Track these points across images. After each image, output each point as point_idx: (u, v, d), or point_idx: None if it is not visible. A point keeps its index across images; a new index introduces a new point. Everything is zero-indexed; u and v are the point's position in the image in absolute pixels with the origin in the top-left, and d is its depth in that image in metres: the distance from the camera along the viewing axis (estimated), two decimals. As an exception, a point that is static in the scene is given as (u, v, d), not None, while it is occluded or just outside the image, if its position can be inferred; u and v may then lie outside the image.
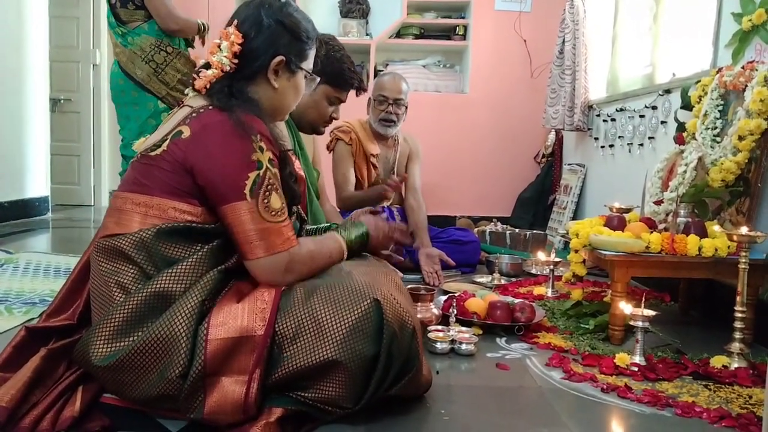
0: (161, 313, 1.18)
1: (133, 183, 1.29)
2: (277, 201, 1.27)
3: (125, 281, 1.22)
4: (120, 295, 1.22)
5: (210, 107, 1.29)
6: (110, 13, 2.96)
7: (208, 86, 1.33)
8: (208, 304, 1.20)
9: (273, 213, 1.26)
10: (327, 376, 1.18)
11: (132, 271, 1.23)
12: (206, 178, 1.24)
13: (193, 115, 1.28)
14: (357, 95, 2.30)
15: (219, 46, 1.35)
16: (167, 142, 1.26)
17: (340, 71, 2.14)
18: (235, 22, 1.36)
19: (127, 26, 2.92)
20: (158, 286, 1.20)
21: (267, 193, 1.26)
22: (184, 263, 1.23)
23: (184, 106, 1.36)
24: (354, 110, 3.12)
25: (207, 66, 1.35)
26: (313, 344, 1.18)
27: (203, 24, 3.06)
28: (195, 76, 1.37)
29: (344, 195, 2.95)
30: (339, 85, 2.16)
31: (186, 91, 1.43)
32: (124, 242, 1.23)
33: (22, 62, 4.35)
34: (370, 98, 3.02)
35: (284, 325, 1.20)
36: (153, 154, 1.27)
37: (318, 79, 1.54)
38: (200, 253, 1.24)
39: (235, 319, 1.18)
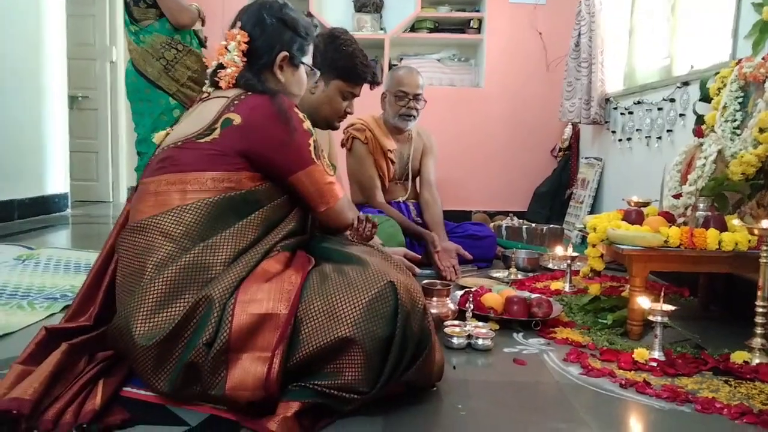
0: (199, 284, 1.24)
1: (166, 166, 1.35)
2: (326, 158, 1.48)
3: (161, 258, 1.27)
4: (153, 272, 1.25)
5: (249, 93, 1.40)
6: (126, 11, 2.99)
7: (233, 83, 1.44)
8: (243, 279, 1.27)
9: (330, 168, 1.48)
10: (343, 358, 1.19)
11: (168, 247, 1.27)
12: (270, 156, 1.37)
13: (235, 102, 1.38)
14: (371, 89, 2.30)
15: (227, 47, 1.45)
16: (217, 130, 1.35)
17: (353, 65, 2.14)
18: (239, 23, 1.47)
19: (140, 24, 2.95)
20: (194, 256, 1.26)
21: (322, 152, 1.46)
22: (219, 236, 1.30)
23: (213, 97, 1.43)
24: (368, 104, 3.11)
25: (220, 67, 1.45)
26: (328, 325, 1.20)
27: (197, 8, 3.09)
28: (216, 79, 1.45)
29: (378, 202, 2.95)
30: (352, 79, 2.16)
31: (204, 88, 1.50)
32: (163, 219, 1.30)
33: (40, 61, 4.41)
34: (385, 93, 3.01)
35: (302, 308, 1.23)
36: (202, 141, 1.34)
37: (318, 73, 1.66)
38: (235, 227, 1.32)
39: (262, 297, 1.23)
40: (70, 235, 3.90)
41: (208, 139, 1.34)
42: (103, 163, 5.61)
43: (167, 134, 1.46)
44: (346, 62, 2.13)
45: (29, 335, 1.39)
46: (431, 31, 4.86)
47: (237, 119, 1.35)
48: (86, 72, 5.50)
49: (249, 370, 1.18)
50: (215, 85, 1.46)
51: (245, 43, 1.44)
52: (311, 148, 1.41)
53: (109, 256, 1.43)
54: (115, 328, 1.27)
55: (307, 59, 1.58)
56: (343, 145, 3.06)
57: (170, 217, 1.30)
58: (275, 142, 1.36)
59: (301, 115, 1.41)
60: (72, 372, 1.29)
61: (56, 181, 4.65)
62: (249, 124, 1.35)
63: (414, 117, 2.97)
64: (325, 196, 1.46)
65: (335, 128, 2.26)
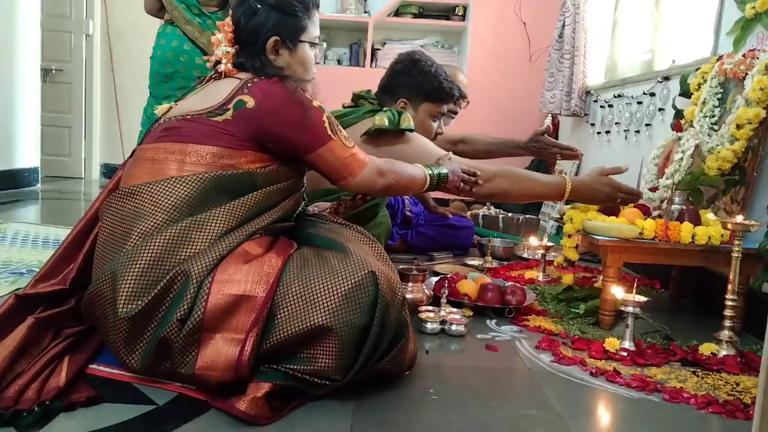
0: (180, 257, 1.22)
1: (170, 135, 1.33)
2: (344, 130, 1.47)
3: (148, 226, 1.24)
4: (138, 240, 1.23)
5: (261, 77, 1.38)
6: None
7: (233, 70, 1.42)
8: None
9: (349, 140, 1.47)
10: (318, 345, 1.18)
11: (157, 216, 1.25)
12: (288, 136, 1.36)
13: (249, 85, 1.37)
14: (456, 105, 2.29)
15: (220, 40, 1.44)
16: (230, 111, 1.33)
17: (440, 86, 2.16)
18: (230, 11, 1.46)
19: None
20: (180, 229, 1.24)
21: (338, 126, 1.45)
22: (208, 212, 1.28)
23: (225, 77, 1.42)
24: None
25: (218, 63, 1.44)
26: (305, 311, 1.18)
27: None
28: (213, 75, 1.45)
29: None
30: (441, 99, 2.18)
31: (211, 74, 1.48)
32: (156, 187, 1.27)
33: (13, 30, 4.28)
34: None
35: (280, 292, 1.21)
36: (213, 119, 1.33)
37: (325, 44, 1.62)
38: (227, 206, 1.30)
39: (240, 278, 1.21)
40: (39, 210, 3.82)
41: (219, 119, 1.33)
42: (76, 139, 5.48)
43: (170, 108, 1.44)
44: (432, 83, 2.15)
45: (-7, 309, 1.35)
46: (416, 16, 4.81)
47: (251, 102, 1.34)
48: (61, 44, 5.35)
49: (221, 350, 1.17)
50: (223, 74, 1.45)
51: (231, 32, 1.43)
52: (326, 124, 1.40)
53: (93, 220, 1.40)
54: (95, 294, 1.24)
55: (307, 35, 1.49)
56: None
57: (163, 186, 1.28)
58: (292, 123, 1.35)
59: (308, 93, 1.41)
60: (37, 347, 1.26)
61: (26, 154, 4.53)
62: (263, 107, 1.34)
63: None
64: (349, 167, 1.45)
65: None
